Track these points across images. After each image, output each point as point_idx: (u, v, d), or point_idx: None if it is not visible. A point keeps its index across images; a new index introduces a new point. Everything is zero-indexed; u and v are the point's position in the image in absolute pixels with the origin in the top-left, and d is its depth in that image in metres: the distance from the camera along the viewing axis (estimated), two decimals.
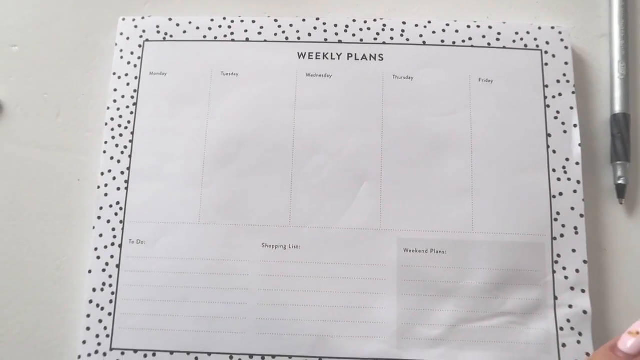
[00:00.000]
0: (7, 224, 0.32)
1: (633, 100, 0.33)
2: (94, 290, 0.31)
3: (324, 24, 0.34)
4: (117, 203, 0.32)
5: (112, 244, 0.31)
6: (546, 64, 0.33)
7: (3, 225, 0.32)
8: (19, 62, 0.35)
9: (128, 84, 0.33)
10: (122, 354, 0.30)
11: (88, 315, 0.30)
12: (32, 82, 0.35)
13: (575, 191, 0.31)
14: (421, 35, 0.33)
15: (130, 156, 0.32)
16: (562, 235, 0.30)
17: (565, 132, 0.32)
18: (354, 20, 0.34)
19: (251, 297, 0.30)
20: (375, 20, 0.34)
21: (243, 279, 0.30)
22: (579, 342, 0.29)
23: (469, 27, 0.34)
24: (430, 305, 0.30)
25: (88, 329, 0.30)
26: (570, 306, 0.30)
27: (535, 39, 0.33)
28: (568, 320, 0.30)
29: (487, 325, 0.30)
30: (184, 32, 0.34)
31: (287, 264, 0.31)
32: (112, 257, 0.31)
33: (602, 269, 0.31)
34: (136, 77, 0.33)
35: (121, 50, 0.34)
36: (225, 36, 0.34)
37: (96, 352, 0.30)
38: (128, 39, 0.34)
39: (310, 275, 0.30)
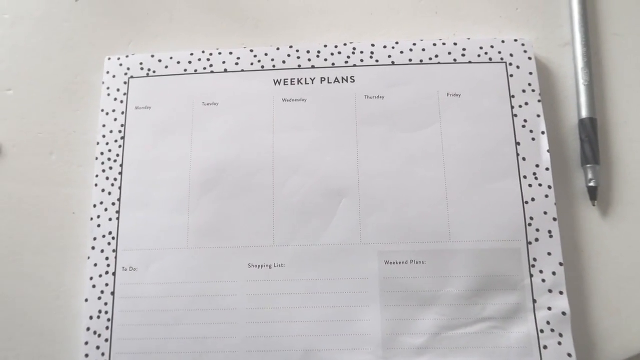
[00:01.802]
0: (8, 258, 0.34)
1: (599, 105, 0.35)
2: (91, 318, 0.32)
3: (297, 51, 0.36)
4: (110, 233, 0.33)
5: (107, 273, 0.33)
6: (511, 75, 0.34)
7: (4, 260, 0.34)
8: (14, 104, 0.37)
9: (116, 119, 0.35)
10: None
11: (86, 343, 0.32)
12: (27, 122, 0.37)
13: (547, 196, 0.32)
14: (390, 56, 0.35)
15: (120, 188, 0.34)
16: (537, 240, 0.31)
17: (533, 139, 0.33)
18: (326, 46, 0.36)
19: (240, 317, 0.31)
20: (345, 44, 0.36)
21: (231, 300, 0.32)
22: (560, 343, 0.30)
23: (435, 45, 0.35)
24: (413, 315, 0.31)
25: (87, 355, 0.31)
26: (550, 308, 0.30)
27: (500, 52, 0.35)
28: (548, 323, 0.30)
29: (469, 332, 0.30)
30: (166, 67, 0.36)
31: (273, 283, 0.32)
32: (107, 285, 0.33)
33: (579, 270, 0.32)
34: (123, 113, 0.35)
35: (108, 88, 0.36)
36: (204, 68, 0.36)
37: None
38: (114, 76, 0.36)
39: (296, 292, 0.32)
